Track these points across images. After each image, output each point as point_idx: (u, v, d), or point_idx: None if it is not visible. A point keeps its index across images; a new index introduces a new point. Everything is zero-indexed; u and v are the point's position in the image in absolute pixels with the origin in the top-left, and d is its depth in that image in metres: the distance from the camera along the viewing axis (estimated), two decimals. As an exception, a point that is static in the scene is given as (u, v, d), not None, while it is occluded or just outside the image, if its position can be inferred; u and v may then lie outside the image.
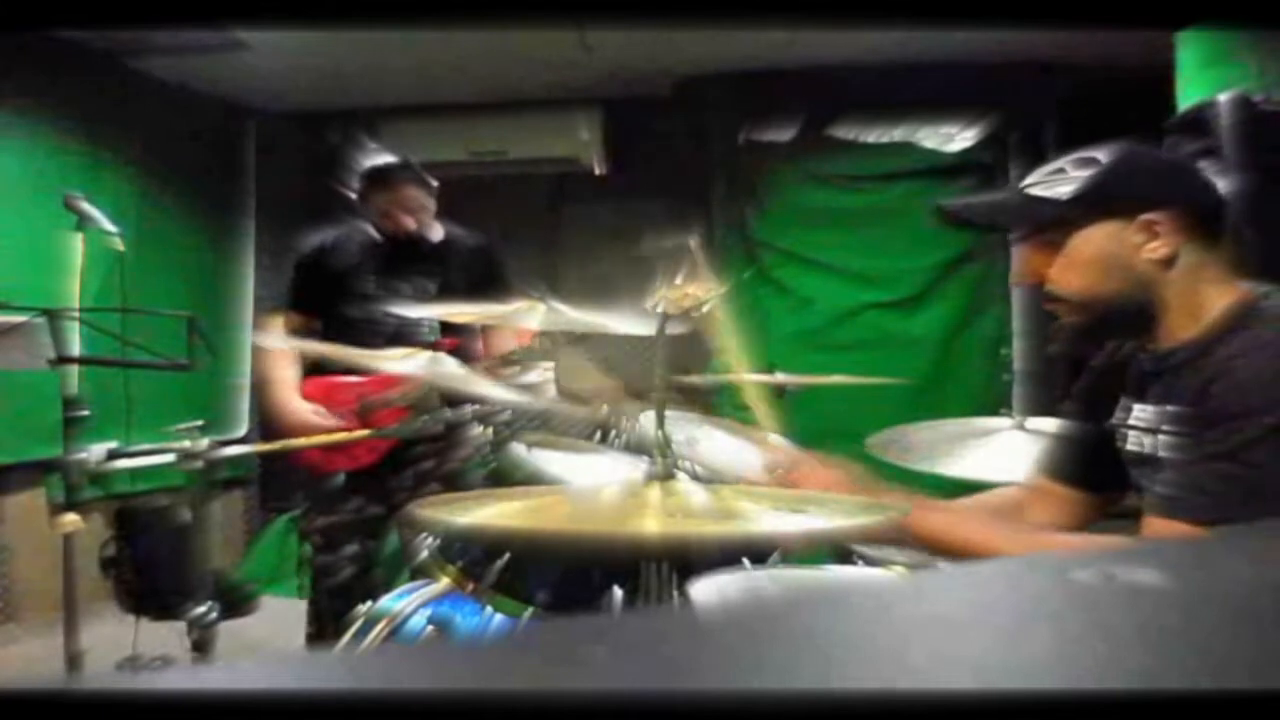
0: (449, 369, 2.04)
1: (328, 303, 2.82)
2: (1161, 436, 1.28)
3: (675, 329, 1.40)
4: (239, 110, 4.85)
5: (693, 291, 1.42)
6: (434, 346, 2.47)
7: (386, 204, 2.77)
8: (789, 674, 0.32)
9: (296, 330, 2.84)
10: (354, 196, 2.88)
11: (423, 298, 2.79)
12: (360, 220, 2.87)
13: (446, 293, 2.78)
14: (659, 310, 1.36)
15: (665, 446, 1.26)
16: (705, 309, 1.45)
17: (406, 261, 2.81)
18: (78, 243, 2.61)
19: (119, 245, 2.71)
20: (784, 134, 4.51)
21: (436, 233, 2.87)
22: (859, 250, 4.43)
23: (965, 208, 1.45)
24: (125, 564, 3.94)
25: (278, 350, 2.80)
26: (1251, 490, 1.13)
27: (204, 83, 4.48)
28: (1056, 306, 1.34)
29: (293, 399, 2.70)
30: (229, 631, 1.89)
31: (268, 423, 2.83)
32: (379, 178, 2.81)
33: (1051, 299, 1.34)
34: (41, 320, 2.36)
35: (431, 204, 2.83)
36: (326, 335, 2.85)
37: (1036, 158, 4.44)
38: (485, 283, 2.78)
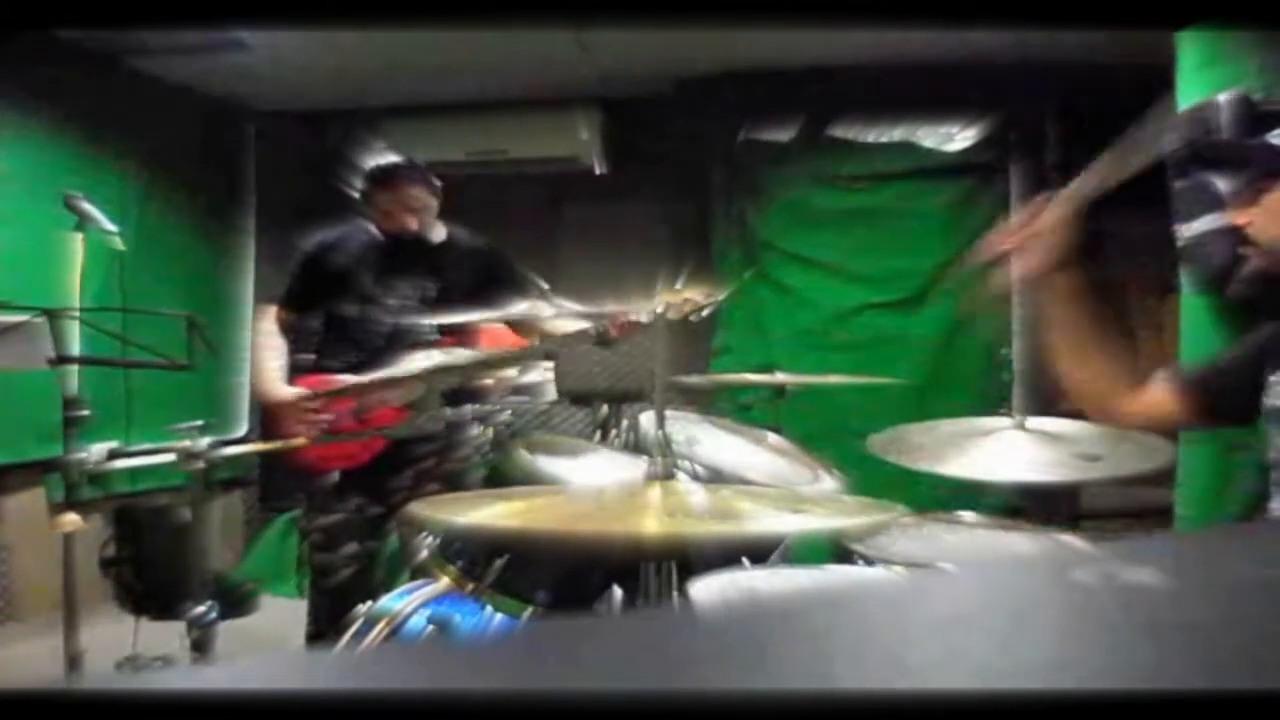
0: (460, 356, 2.05)
1: (326, 301, 2.82)
2: None
3: (675, 331, 1.40)
4: (239, 110, 4.85)
5: (693, 296, 1.42)
6: (433, 346, 2.47)
7: (389, 203, 2.77)
8: (789, 674, 0.32)
9: (285, 326, 2.85)
10: (357, 195, 2.89)
11: (423, 298, 2.79)
12: (363, 219, 2.87)
13: (447, 293, 2.78)
14: (660, 312, 1.36)
15: (665, 446, 1.26)
16: (705, 313, 1.46)
17: (407, 261, 2.81)
18: (78, 242, 2.61)
19: (119, 245, 2.71)
20: (784, 134, 4.51)
21: (439, 233, 2.87)
22: (859, 250, 4.43)
23: (1219, 147, 1.51)
24: (125, 564, 3.94)
25: (264, 341, 2.81)
26: None
27: (204, 83, 4.47)
28: (1249, 250, 1.41)
29: (280, 385, 2.72)
30: (229, 631, 1.89)
31: (261, 412, 2.84)
32: (382, 177, 2.81)
33: (1245, 242, 1.41)
34: (41, 320, 2.36)
35: (435, 204, 2.83)
36: (325, 334, 2.85)
37: (1036, 158, 4.47)
38: (487, 284, 2.78)
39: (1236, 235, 1.41)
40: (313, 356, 2.87)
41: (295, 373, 2.81)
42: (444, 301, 2.76)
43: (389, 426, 2.61)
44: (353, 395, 2.43)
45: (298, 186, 4.83)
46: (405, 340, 2.68)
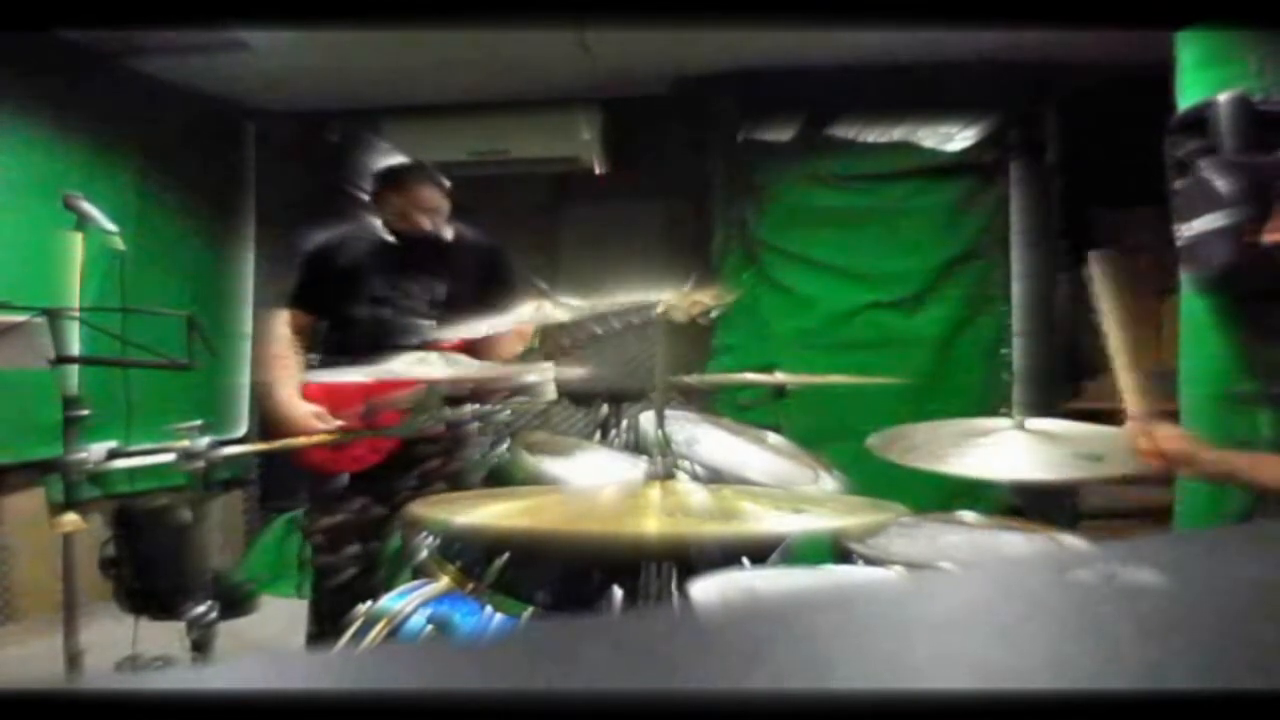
0: (464, 365, 2.04)
1: (332, 302, 2.80)
2: None
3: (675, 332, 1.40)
4: (239, 110, 4.85)
5: (701, 299, 1.42)
6: (439, 346, 2.47)
7: (403, 205, 2.75)
8: (788, 674, 0.32)
9: (298, 329, 2.82)
10: (366, 197, 2.87)
11: (432, 300, 2.78)
12: (368, 220, 2.86)
13: (455, 294, 2.77)
14: (664, 314, 1.36)
15: (665, 446, 1.26)
16: (713, 314, 1.46)
17: (415, 262, 2.79)
18: (78, 242, 2.61)
19: (119, 245, 2.71)
20: (784, 134, 4.51)
21: (448, 234, 2.86)
22: (859, 250, 4.43)
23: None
24: (125, 564, 3.94)
25: (278, 351, 2.78)
26: None
27: (204, 83, 4.47)
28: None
29: (294, 401, 2.68)
30: (229, 631, 1.89)
31: (269, 424, 2.81)
32: (393, 179, 2.80)
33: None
34: (41, 320, 2.36)
35: (446, 205, 2.82)
36: (331, 335, 2.84)
37: (1036, 158, 4.48)
38: (493, 284, 2.77)
39: (1237, 235, 1.42)
40: (317, 357, 2.86)
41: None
42: (452, 302, 2.75)
43: (393, 427, 2.61)
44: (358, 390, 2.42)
45: (298, 186, 4.83)
46: (413, 342, 2.67)
